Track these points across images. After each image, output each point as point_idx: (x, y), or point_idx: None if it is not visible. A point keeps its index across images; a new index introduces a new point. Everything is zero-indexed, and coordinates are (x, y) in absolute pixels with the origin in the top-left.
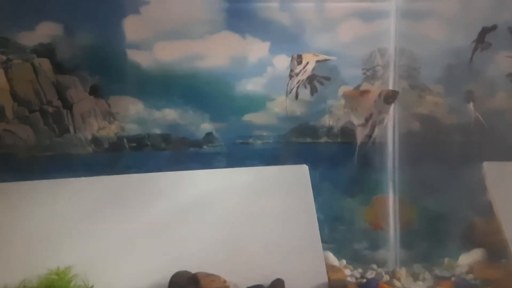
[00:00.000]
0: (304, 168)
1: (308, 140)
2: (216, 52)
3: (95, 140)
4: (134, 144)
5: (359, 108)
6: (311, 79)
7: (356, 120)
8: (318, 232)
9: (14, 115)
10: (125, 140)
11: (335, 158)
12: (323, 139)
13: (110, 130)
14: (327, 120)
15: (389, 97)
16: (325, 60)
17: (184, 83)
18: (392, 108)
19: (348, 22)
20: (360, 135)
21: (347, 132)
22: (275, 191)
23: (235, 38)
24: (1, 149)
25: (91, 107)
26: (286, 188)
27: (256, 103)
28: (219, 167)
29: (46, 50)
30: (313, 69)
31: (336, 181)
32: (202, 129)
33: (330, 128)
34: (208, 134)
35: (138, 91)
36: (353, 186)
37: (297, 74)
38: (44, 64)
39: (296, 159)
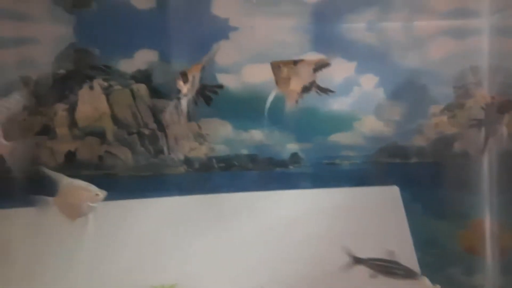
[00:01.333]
0: (395, 189)
1: (397, 160)
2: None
3: (187, 161)
4: (223, 164)
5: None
6: (201, 90)
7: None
8: (415, 256)
9: (114, 138)
10: (214, 160)
11: (426, 179)
12: (413, 159)
13: (200, 151)
14: (417, 140)
15: (504, 107)
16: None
17: (270, 105)
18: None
19: (438, 40)
20: None
21: (438, 151)
22: (364, 213)
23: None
24: (103, 169)
25: (184, 130)
26: (376, 210)
27: (343, 123)
28: (305, 188)
29: (143, 76)
30: (201, 79)
31: (428, 202)
32: (288, 150)
33: (420, 148)
34: (294, 155)
35: (227, 113)
36: (446, 208)
37: (186, 95)
38: (141, 89)
39: (385, 180)
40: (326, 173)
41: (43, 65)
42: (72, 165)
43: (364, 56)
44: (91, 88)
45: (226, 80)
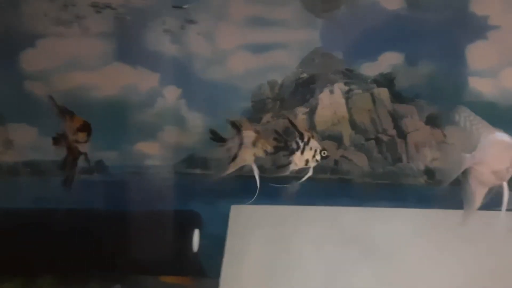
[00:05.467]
0: None
1: None
2: None
3: (428, 171)
4: None
5: None
6: None
7: None
8: None
9: (351, 143)
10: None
11: None
12: None
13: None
14: None
15: None
16: None
17: None
18: None
19: None
20: None
21: None
22: None
23: None
24: (338, 174)
25: (426, 137)
26: None
27: None
28: None
29: (386, 80)
30: None
31: None
32: None
33: None
34: None
35: None
36: None
37: None
38: (383, 93)
39: None
40: None
41: (288, 69)
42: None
43: None
44: (332, 92)
45: (479, 85)
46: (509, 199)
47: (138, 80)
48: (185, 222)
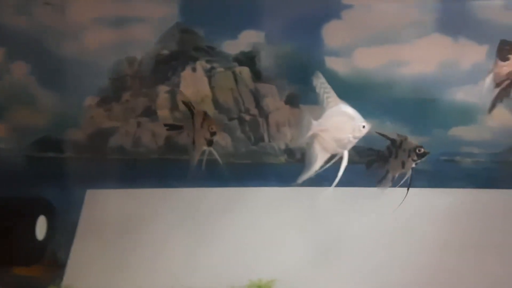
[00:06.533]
0: None
1: None
2: (422, 58)
3: (288, 150)
4: None
5: None
6: None
7: None
8: None
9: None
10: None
11: None
12: None
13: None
14: None
15: None
16: None
17: (383, 92)
18: None
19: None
20: None
21: None
22: (489, 218)
23: (446, 41)
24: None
25: (286, 116)
26: (503, 215)
27: (466, 115)
28: (420, 187)
29: (247, 58)
30: None
31: None
32: None
33: None
34: None
35: None
36: None
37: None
38: (244, 72)
39: None
40: (444, 171)
41: (147, 45)
42: (172, 148)
43: (498, 39)
44: (194, 70)
45: (335, 65)
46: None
47: None
48: (32, 209)
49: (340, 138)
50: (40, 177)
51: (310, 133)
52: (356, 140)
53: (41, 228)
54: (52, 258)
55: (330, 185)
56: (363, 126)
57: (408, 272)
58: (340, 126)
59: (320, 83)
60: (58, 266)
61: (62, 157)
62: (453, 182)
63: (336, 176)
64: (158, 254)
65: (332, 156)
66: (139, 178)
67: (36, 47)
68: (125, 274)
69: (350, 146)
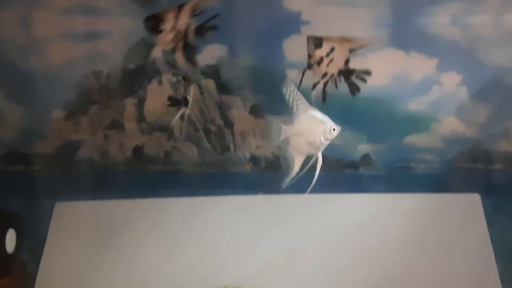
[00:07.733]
0: (476, 197)
1: (479, 166)
2: (377, 71)
3: (253, 159)
4: None
5: None
6: (347, 75)
7: None
8: (496, 270)
9: (181, 133)
10: (281, 159)
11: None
12: (497, 166)
13: (267, 149)
14: (503, 144)
15: None
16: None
17: (341, 103)
18: None
19: None
20: None
21: None
22: (441, 222)
23: (398, 55)
24: (170, 165)
25: (251, 126)
26: (454, 218)
27: (420, 123)
28: (376, 191)
29: (212, 71)
30: (347, 61)
31: None
32: (359, 151)
33: (506, 153)
34: (366, 156)
35: None
36: None
37: (318, 63)
38: (210, 84)
39: (465, 187)
40: (400, 176)
41: (114, 60)
42: (139, 160)
43: (446, 53)
44: (160, 83)
45: (296, 76)
46: None
47: None
48: (1, 223)
49: (313, 141)
50: (8, 190)
51: (282, 137)
52: (327, 142)
53: (10, 241)
54: (22, 270)
55: (291, 192)
56: (334, 129)
57: (368, 273)
58: (312, 129)
59: (290, 90)
60: (28, 278)
61: (30, 170)
62: (408, 187)
63: (297, 185)
64: (128, 265)
65: (308, 159)
66: (108, 189)
67: (2, 61)
68: (95, 285)
69: (322, 148)
